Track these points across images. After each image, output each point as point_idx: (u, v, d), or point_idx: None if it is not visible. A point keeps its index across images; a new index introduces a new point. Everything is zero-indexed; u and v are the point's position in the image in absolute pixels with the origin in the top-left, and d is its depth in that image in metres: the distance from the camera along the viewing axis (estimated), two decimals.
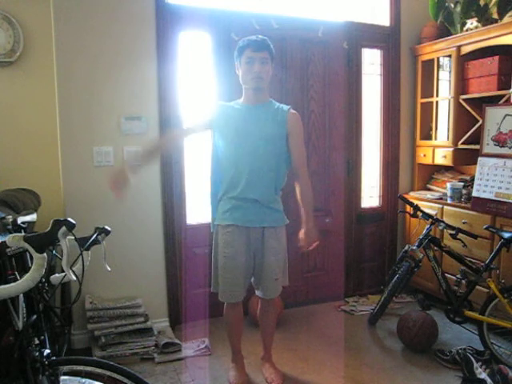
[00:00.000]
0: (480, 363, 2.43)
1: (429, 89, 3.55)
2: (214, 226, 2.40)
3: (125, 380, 1.40)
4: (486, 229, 2.77)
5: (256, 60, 2.20)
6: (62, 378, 1.39)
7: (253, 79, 2.23)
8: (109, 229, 1.48)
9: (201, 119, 2.42)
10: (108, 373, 1.40)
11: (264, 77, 2.24)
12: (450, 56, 3.35)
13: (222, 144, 2.31)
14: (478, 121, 3.14)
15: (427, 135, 3.64)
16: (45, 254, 1.21)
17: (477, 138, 3.12)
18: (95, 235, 1.46)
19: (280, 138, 2.28)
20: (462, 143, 3.29)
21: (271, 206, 2.32)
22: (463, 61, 3.25)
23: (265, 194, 2.29)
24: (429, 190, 3.69)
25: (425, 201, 3.45)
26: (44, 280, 1.34)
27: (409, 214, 3.21)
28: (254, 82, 2.24)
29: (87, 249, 1.44)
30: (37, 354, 1.32)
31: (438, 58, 3.45)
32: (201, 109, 2.39)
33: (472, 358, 2.46)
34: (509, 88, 2.92)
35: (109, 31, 2.77)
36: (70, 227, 1.22)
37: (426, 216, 3.01)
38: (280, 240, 2.35)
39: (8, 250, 1.32)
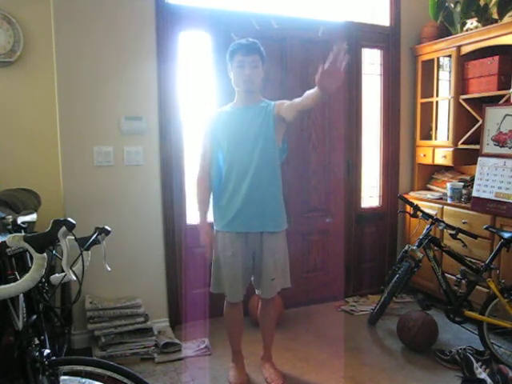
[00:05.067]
0: (480, 363, 2.43)
1: (429, 89, 3.55)
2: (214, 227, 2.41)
3: (125, 380, 1.40)
4: (486, 229, 2.77)
5: (246, 64, 2.23)
6: (62, 377, 1.39)
7: (244, 82, 2.27)
8: (109, 229, 1.48)
9: (204, 140, 2.39)
10: (108, 373, 1.40)
11: (255, 80, 2.27)
12: (450, 56, 3.35)
13: (221, 149, 2.31)
14: (478, 121, 3.13)
15: (427, 135, 3.64)
16: (45, 254, 1.21)
17: (477, 138, 3.12)
18: (95, 235, 1.46)
19: (273, 133, 2.29)
20: (462, 143, 3.29)
21: (274, 208, 2.33)
22: (463, 61, 3.25)
23: (268, 190, 2.30)
24: (429, 190, 3.69)
25: (425, 201, 3.45)
26: (44, 280, 1.34)
27: (409, 213, 3.21)
28: (245, 84, 2.27)
29: (87, 249, 1.44)
30: (37, 354, 1.32)
31: (437, 58, 3.45)
32: (199, 131, 2.42)
33: (472, 357, 2.46)
34: (509, 88, 2.92)
35: (109, 31, 2.77)
36: (70, 227, 1.22)
37: (426, 216, 3.00)
38: (278, 241, 2.36)
39: (8, 250, 1.32)
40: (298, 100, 2.17)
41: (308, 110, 2.22)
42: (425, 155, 3.61)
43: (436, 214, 3.22)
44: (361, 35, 3.50)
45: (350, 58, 1.88)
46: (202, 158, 2.41)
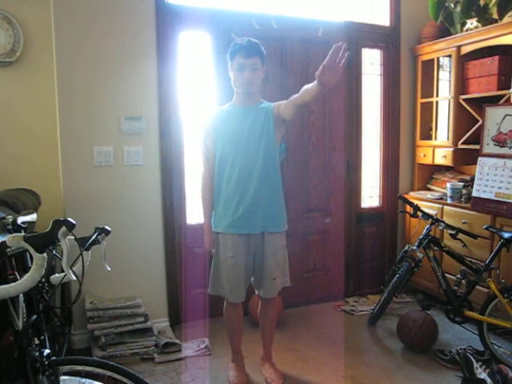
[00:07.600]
0: (480, 363, 2.43)
1: (429, 89, 3.55)
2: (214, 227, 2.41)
3: (125, 380, 1.40)
4: (486, 229, 2.77)
5: (246, 67, 2.22)
6: (62, 377, 1.39)
7: (243, 85, 2.26)
8: (109, 229, 1.48)
9: (205, 140, 2.37)
10: (108, 373, 1.40)
11: (254, 82, 2.27)
12: (449, 56, 3.35)
13: (222, 148, 2.31)
14: (478, 121, 3.13)
15: (427, 135, 3.64)
16: (45, 254, 1.21)
17: (477, 138, 3.12)
18: (95, 235, 1.46)
19: (273, 134, 2.30)
20: (462, 143, 3.29)
21: (277, 209, 2.33)
22: (463, 61, 3.25)
23: (273, 191, 2.31)
24: (429, 190, 3.69)
25: (425, 201, 3.45)
26: (44, 280, 1.35)
27: (409, 213, 3.21)
28: (244, 87, 2.27)
29: (87, 249, 1.44)
30: (37, 353, 1.32)
31: (437, 58, 3.45)
32: (199, 131, 2.44)
33: (472, 357, 2.47)
34: (509, 88, 2.92)
35: (109, 31, 2.77)
36: (70, 227, 1.22)
37: (426, 216, 3.00)
38: (279, 241, 2.37)
39: (8, 250, 1.32)
40: (295, 95, 2.17)
41: (306, 104, 2.20)
42: (425, 155, 3.61)
43: (436, 214, 3.22)
44: (361, 35, 3.50)
45: (350, 54, 1.90)
46: (204, 157, 2.39)
